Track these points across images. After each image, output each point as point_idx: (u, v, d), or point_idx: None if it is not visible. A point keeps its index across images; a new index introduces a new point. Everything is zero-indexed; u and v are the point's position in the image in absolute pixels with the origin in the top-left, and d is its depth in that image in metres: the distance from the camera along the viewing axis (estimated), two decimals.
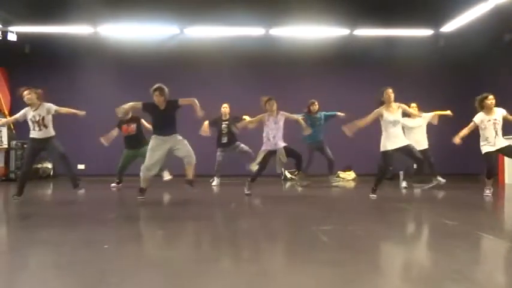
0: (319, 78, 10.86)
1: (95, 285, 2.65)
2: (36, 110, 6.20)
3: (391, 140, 6.32)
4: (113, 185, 8.16)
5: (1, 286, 2.65)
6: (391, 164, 6.48)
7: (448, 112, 8.04)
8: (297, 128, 7.38)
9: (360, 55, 10.85)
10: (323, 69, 10.96)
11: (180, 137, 6.25)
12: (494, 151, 6.57)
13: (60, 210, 5.89)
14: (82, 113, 6.54)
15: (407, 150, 6.35)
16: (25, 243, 3.78)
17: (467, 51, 10.17)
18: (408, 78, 10.82)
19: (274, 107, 6.80)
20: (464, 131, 6.58)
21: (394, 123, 6.33)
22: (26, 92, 6.17)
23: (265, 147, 6.80)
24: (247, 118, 8.27)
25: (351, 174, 10.74)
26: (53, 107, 6.30)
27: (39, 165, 10.31)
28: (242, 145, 8.65)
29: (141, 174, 6.22)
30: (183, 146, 6.19)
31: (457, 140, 6.58)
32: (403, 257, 3.46)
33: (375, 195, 6.45)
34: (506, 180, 9.06)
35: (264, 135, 6.81)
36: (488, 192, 6.68)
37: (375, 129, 10.69)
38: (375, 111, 6.41)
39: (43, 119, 6.20)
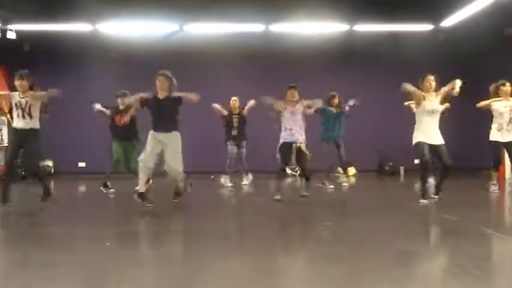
0: (319, 73, 10.82)
1: (98, 282, 2.65)
2: (24, 97, 5.76)
3: (424, 133, 5.64)
4: (111, 190, 7.33)
5: (2, 285, 2.65)
6: (426, 155, 5.55)
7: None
8: (316, 126, 7.32)
9: (359, 50, 10.83)
10: (323, 64, 10.93)
11: (177, 143, 5.57)
12: (502, 142, 6.62)
13: (61, 208, 5.89)
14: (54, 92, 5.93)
15: (438, 151, 5.63)
16: (25, 241, 3.78)
17: (468, 45, 10.14)
18: (408, 73, 10.67)
19: (295, 97, 6.16)
20: (483, 103, 6.66)
21: (432, 112, 5.64)
22: (17, 79, 5.75)
23: (281, 140, 6.16)
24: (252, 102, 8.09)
25: (351, 171, 10.73)
26: (37, 93, 5.80)
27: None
28: (244, 151, 8.46)
29: (139, 166, 5.57)
30: (175, 159, 5.51)
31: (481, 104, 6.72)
32: (404, 252, 3.47)
33: (425, 201, 5.62)
34: (508, 175, 9.05)
35: (281, 126, 6.20)
36: (494, 187, 6.66)
37: (375, 126, 10.72)
38: (418, 91, 5.68)
39: (29, 107, 5.74)
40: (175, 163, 5.50)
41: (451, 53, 10.75)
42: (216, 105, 8.27)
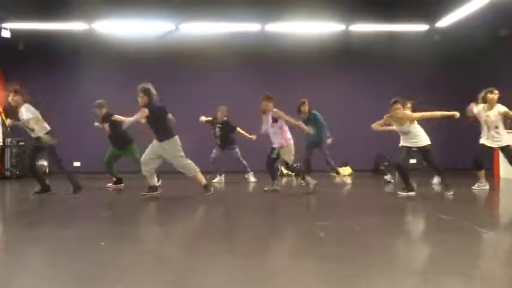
0: (315, 73, 10.83)
1: (94, 282, 2.64)
2: (19, 113, 5.93)
3: (404, 140, 6.26)
4: (109, 185, 7.70)
5: (0, 285, 2.64)
6: (399, 159, 6.23)
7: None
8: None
9: (355, 50, 10.84)
10: (318, 64, 10.93)
11: (172, 148, 6.06)
12: (492, 147, 6.64)
13: (56, 208, 5.88)
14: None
15: (423, 151, 6.26)
16: (22, 241, 3.76)
17: (463, 46, 10.17)
18: (404, 73, 10.85)
19: (262, 106, 6.58)
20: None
21: (404, 132, 6.22)
22: (9, 94, 5.91)
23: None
24: (241, 130, 8.37)
25: (347, 170, 10.73)
26: (26, 112, 5.86)
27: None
28: (238, 151, 8.52)
29: (142, 169, 6.23)
30: (176, 162, 6.13)
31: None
32: (400, 252, 3.48)
33: (403, 193, 6.19)
34: (502, 175, 9.08)
35: None
36: (479, 185, 6.74)
37: (371, 126, 10.72)
38: (386, 118, 6.33)
39: (28, 122, 5.90)
40: (179, 164, 6.14)
41: (447, 53, 10.79)
42: (202, 119, 8.43)
